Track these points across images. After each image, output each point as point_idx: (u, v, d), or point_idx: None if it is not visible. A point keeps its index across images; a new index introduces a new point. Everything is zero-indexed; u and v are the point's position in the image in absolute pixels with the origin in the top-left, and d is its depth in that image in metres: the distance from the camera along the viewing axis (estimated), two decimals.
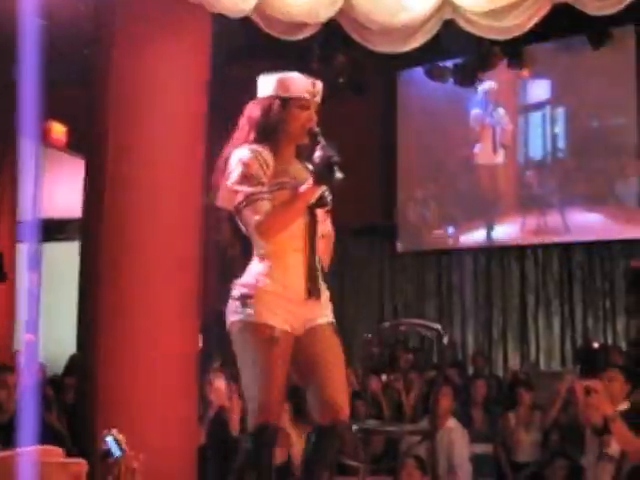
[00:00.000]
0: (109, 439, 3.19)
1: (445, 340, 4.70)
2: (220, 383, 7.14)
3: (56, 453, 4.56)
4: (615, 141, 11.53)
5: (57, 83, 6.69)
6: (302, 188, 3.65)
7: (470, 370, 11.53)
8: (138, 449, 4.95)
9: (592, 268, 12.16)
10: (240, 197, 3.65)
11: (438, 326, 4.86)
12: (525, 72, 11.81)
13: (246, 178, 3.66)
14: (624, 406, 6.20)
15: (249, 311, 3.68)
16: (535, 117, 12.39)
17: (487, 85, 12.27)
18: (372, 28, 6.90)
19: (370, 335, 5.06)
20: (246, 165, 3.69)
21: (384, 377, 8.25)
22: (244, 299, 3.71)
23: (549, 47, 11.91)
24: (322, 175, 3.63)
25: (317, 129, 3.82)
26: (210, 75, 6.83)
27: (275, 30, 6.85)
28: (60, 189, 11.93)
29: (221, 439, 6.66)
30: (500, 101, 12.55)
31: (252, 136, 3.82)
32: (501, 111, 12.48)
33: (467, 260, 13.31)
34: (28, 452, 4.09)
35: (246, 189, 3.64)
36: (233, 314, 3.73)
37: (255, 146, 3.75)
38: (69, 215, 11.30)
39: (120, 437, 2.86)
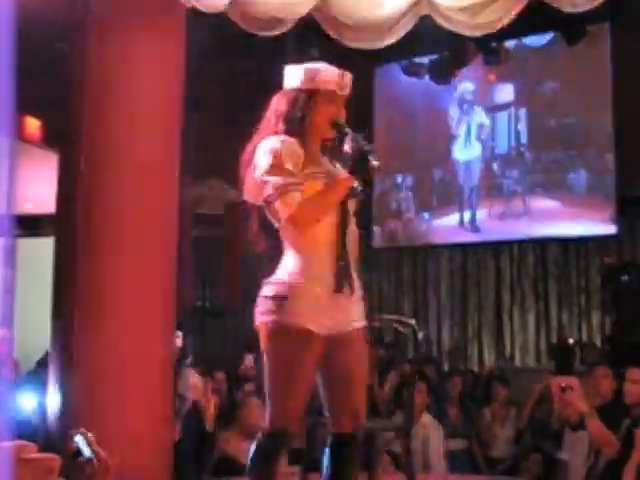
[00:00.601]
0: (78, 439, 3.17)
1: (420, 336, 4.70)
2: (194, 379, 7.13)
3: (30, 449, 4.54)
4: (568, 137, 11.79)
5: (30, 76, 6.64)
6: (337, 178, 3.59)
7: (445, 366, 11.57)
8: (113, 445, 4.95)
9: (567, 265, 12.23)
10: (270, 188, 3.55)
11: (413, 322, 4.86)
12: (492, 76, 11.92)
13: (276, 168, 3.55)
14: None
15: (283, 311, 3.54)
16: (501, 116, 12.63)
17: (463, 82, 12.32)
18: (348, 24, 6.89)
19: None
20: (275, 155, 3.58)
21: None
22: (278, 299, 3.56)
23: (524, 44, 11.96)
24: (356, 165, 3.58)
25: (342, 120, 3.72)
26: (186, 70, 6.80)
27: (250, 26, 6.83)
28: (34, 184, 11.87)
29: (196, 434, 6.65)
30: (472, 99, 12.68)
31: (279, 128, 3.71)
32: (476, 108, 12.57)
33: (443, 256, 13.35)
34: (2, 448, 4.07)
35: (277, 180, 3.53)
36: (265, 314, 3.59)
37: (284, 136, 3.65)
38: (44, 211, 11.26)
39: (90, 436, 2.83)
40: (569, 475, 6.78)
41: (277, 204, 3.53)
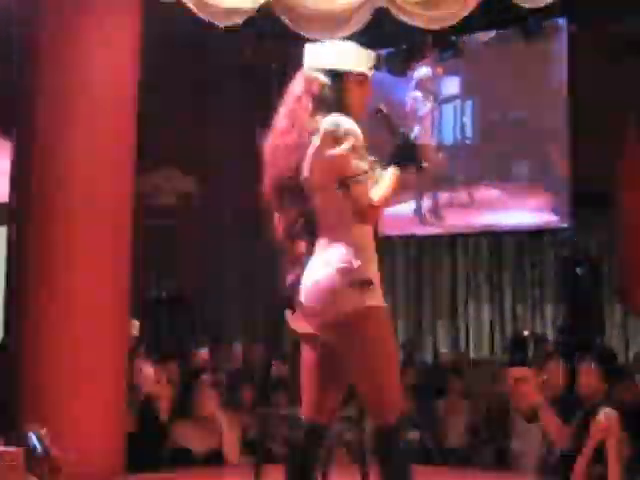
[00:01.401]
0: (32, 436, 3.15)
1: None
2: (148, 369, 7.11)
3: None
4: (512, 129, 11.89)
5: None
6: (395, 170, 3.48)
7: (400, 357, 11.60)
8: (66, 436, 4.93)
9: (521, 257, 12.29)
10: (353, 171, 3.36)
11: None
12: (439, 70, 11.98)
13: (355, 151, 3.39)
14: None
15: (372, 296, 3.36)
16: (447, 108, 12.70)
17: (421, 73, 12.37)
18: (304, 15, 6.90)
19: None
20: (357, 138, 3.41)
21: None
22: (365, 284, 3.35)
23: (480, 38, 12.02)
24: (405, 153, 3.54)
25: (386, 111, 3.60)
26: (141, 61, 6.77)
27: (208, 15, 6.81)
28: None
29: (149, 425, 6.63)
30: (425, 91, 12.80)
31: (311, 109, 3.52)
32: (432, 99, 12.68)
33: (398, 248, 13.36)
34: None
35: (362, 164, 3.39)
36: (355, 301, 3.33)
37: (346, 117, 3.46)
38: None
39: (43, 433, 2.80)
40: (520, 465, 6.83)
41: (358, 189, 3.37)
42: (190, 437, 6.55)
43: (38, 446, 2.87)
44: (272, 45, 9.81)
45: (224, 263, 13.83)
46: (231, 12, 6.85)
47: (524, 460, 6.85)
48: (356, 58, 3.63)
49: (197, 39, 9.41)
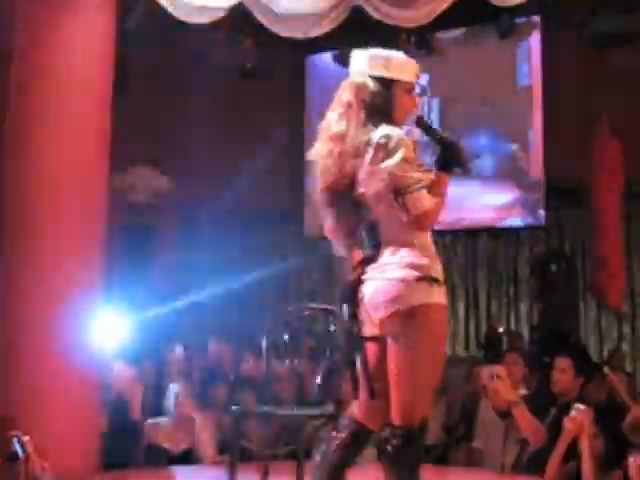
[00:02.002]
0: (15, 441, 3.13)
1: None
2: (121, 368, 7.09)
3: None
4: (484, 126, 11.97)
5: None
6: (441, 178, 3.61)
7: None
8: (40, 438, 4.90)
9: (496, 254, 12.31)
10: (408, 181, 3.45)
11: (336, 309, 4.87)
12: None
13: (407, 162, 3.49)
14: (522, 391, 6.30)
15: (439, 293, 3.53)
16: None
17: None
18: (278, 13, 6.89)
19: (272, 320, 5.06)
20: (408, 148, 3.51)
21: (293, 362, 8.24)
22: (432, 280, 3.52)
23: (456, 36, 12.05)
24: (451, 163, 3.64)
25: (430, 120, 3.72)
26: (115, 58, 6.73)
27: (180, 13, 6.79)
28: None
29: (122, 424, 6.61)
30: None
31: (362, 116, 3.63)
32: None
33: None
34: None
35: (414, 174, 3.47)
36: (422, 296, 3.47)
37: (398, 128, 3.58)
38: None
39: (24, 439, 2.79)
40: (485, 463, 6.84)
41: (413, 198, 3.46)
42: (164, 436, 6.54)
43: (20, 452, 2.86)
44: (244, 44, 9.78)
45: (198, 261, 13.80)
46: (203, 10, 6.84)
47: (486, 458, 6.86)
48: (404, 67, 3.74)
49: (169, 37, 9.39)
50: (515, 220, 11.89)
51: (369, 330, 3.63)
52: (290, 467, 4.38)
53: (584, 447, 5.53)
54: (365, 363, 3.62)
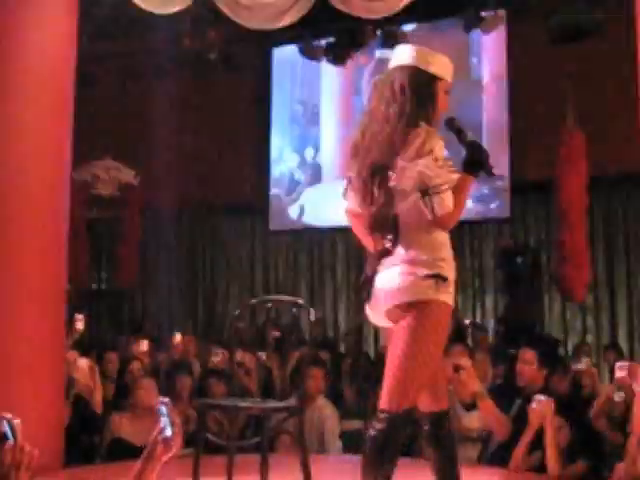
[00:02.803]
0: (5, 423, 3.08)
1: (312, 317, 4.70)
2: (82, 362, 7.04)
3: None
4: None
5: None
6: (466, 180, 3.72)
7: (342, 348, 11.61)
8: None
9: (462, 247, 12.34)
10: (436, 181, 3.57)
11: (302, 301, 4.87)
12: (363, 60, 12.01)
13: (438, 162, 3.59)
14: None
15: (446, 292, 3.64)
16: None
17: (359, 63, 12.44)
18: (244, 3, 6.86)
19: (237, 312, 5.05)
20: (440, 148, 3.62)
21: (259, 354, 8.23)
22: (442, 279, 3.63)
23: (422, 28, 12.07)
24: (475, 161, 3.74)
25: (460, 122, 3.78)
26: (78, 49, 6.67)
27: (147, 4, 6.75)
28: None
29: (85, 418, 6.57)
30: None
31: (409, 105, 3.70)
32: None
33: (339, 238, 13.39)
34: None
35: (443, 175, 3.58)
36: (435, 292, 3.60)
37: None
38: None
39: (15, 422, 2.75)
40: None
41: (439, 198, 3.58)
42: (128, 429, 6.49)
43: (10, 435, 2.82)
44: (209, 35, 9.74)
45: (164, 254, 13.78)
46: (170, 1, 6.80)
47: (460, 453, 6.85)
48: (447, 67, 3.84)
49: (134, 28, 9.33)
50: (480, 213, 11.93)
51: (379, 320, 3.80)
52: (256, 460, 4.36)
53: (548, 437, 5.56)
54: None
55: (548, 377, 6.40)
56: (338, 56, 11.51)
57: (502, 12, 11.50)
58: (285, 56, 13.32)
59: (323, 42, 11.64)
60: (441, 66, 3.81)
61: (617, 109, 9.84)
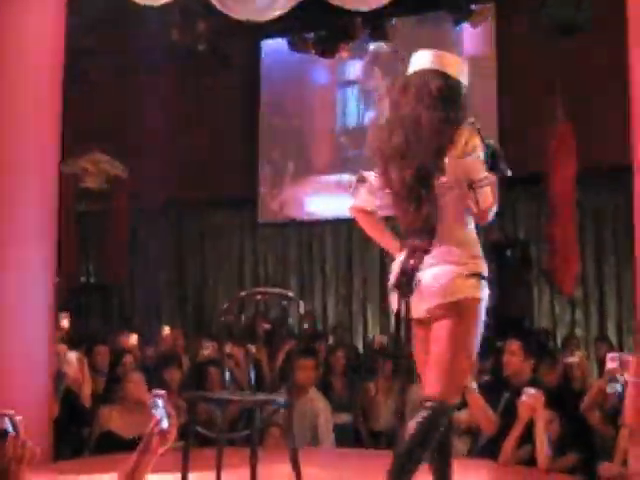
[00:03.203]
0: (6, 419, 3.08)
1: (301, 309, 4.70)
2: (72, 355, 7.03)
3: None
4: None
5: None
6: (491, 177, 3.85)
7: (331, 340, 11.61)
8: None
9: None
10: (481, 175, 3.79)
11: (290, 294, 4.86)
12: (344, 53, 12.01)
13: (480, 160, 3.82)
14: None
15: (484, 289, 3.82)
16: (350, 91, 13.22)
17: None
18: None
19: (226, 305, 5.04)
20: (481, 150, 3.84)
21: (249, 347, 8.22)
22: (482, 277, 3.83)
23: (411, 21, 12.05)
24: (495, 164, 3.88)
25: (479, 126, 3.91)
26: (67, 44, 6.64)
27: None
28: None
29: (74, 411, 6.55)
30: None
31: (452, 114, 3.89)
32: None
33: (328, 231, 13.39)
34: None
35: (485, 172, 3.81)
36: (477, 290, 3.80)
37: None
38: None
39: (17, 419, 2.74)
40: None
41: (483, 192, 3.80)
42: (118, 422, 6.49)
43: (11, 430, 2.81)
44: (199, 25, 9.71)
45: (153, 248, 13.76)
46: None
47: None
48: (465, 72, 4.06)
49: (123, 20, 9.30)
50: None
51: (418, 313, 3.87)
52: (246, 453, 4.35)
53: (538, 430, 5.56)
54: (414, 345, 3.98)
55: (535, 368, 6.42)
56: (327, 49, 11.49)
57: (491, 5, 11.51)
58: (274, 49, 13.30)
59: (312, 35, 11.63)
60: (461, 71, 4.02)
61: (606, 103, 9.86)
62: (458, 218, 3.86)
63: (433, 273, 3.78)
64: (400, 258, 3.90)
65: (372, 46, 12.49)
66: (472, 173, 3.77)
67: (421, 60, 4.01)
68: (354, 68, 13.08)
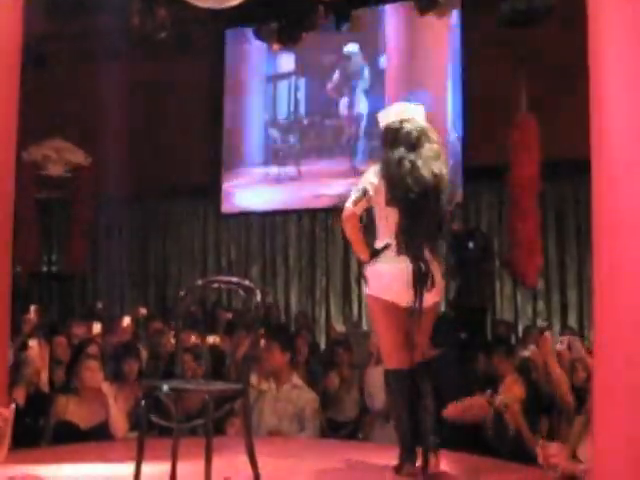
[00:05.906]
0: None
1: (258, 298, 4.68)
2: (33, 342, 6.96)
3: None
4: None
5: None
6: None
7: (292, 329, 11.60)
8: None
9: None
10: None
11: (248, 283, 4.84)
12: (276, 47, 12.03)
13: None
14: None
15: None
16: (282, 84, 13.42)
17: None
18: None
19: (183, 293, 5.00)
20: None
21: (211, 337, 8.18)
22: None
23: (375, 11, 12.05)
24: None
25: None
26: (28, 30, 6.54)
27: None
28: None
29: (31, 399, 6.48)
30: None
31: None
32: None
33: (291, 221, 13.39)
34: None
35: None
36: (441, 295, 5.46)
37: None
38: None
39: None
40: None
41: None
42: (75, 411, 6.43)
43: None
44: (160, 12, 9.62)
45: (115, 237, 13.70)
46: None
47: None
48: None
49: (84, 8, 9.22)
50: (333, 175, 12.22)
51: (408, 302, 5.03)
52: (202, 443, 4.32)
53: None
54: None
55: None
56: (290, 38, 11.42)
57: None
58: (238, 38, 13.27)
59: (275, 24, 11.57)
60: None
61: (570, 94, 9.87)
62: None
63: (438, 274, 5.21)
64: (395, 263, 5.05)
65: (345, 49, 12.58)
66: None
67: (416, 112, 5.22)
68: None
